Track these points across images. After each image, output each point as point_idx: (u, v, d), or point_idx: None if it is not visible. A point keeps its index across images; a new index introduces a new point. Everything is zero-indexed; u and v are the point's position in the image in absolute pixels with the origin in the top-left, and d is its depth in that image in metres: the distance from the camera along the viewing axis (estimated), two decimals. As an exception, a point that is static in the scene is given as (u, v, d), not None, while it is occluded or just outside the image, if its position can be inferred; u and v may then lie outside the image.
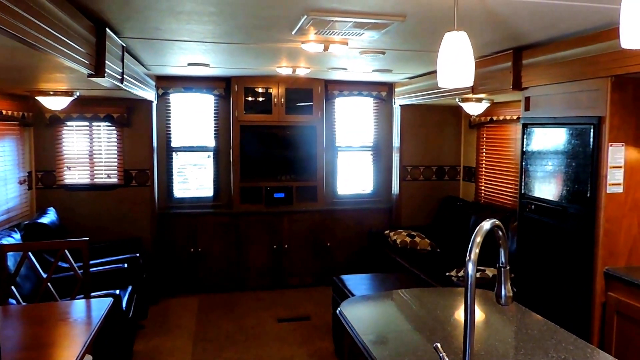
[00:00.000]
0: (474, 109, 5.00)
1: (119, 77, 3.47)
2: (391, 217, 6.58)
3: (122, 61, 3.54)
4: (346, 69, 5.18)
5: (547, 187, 3.64)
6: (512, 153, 5.43)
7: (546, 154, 3.63)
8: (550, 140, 3.60)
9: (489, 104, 4.98)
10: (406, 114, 6.39)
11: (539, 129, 3.70)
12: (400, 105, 6.35)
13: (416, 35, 3.37)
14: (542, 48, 3.55)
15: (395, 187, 6.57)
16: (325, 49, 3.53)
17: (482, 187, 6.06)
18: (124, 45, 3.63)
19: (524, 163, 3.87)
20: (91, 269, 3.98)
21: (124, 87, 3.65)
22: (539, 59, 3.58)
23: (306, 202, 6.37)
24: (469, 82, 2.11)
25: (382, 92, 6.56)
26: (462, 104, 5.04)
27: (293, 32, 3.21)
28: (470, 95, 4.75)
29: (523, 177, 3.89)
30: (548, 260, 3.65)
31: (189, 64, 4.89)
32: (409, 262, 5.43)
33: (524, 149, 3.85)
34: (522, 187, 3.91)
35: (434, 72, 5.24)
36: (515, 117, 5.19)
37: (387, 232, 6.12)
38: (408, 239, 5.80)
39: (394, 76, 5.84)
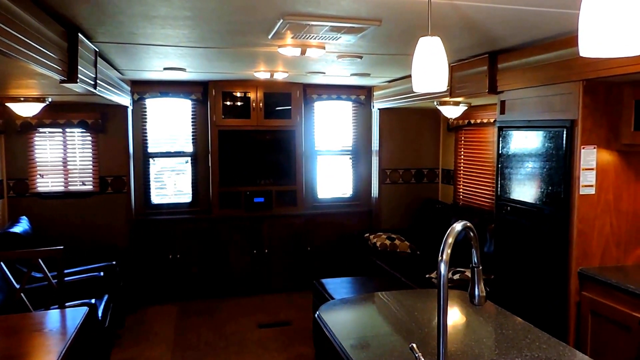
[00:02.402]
0: (452, 112, 5.05)
1: (92, 83, 3.41)
2: (371, 220, 6.60)
3: (95, 66, 3.49)
4: (324, 73, 5.19)
5: (522, 189, 3.70)
6: (489, 155, 5.50)
7: (521, 156, 3.69)
8: (525, 142, 3.66)
9: (466, 107, 5.04)
10: (385, 117, 6.43)
11: (514, 132, 3.76)
12: (379, 108, 6.38)
13: (392, 39, 3.40)
14: (517, 52, 3.61)
15: (375, 191, 6.60)
16: (303, 52, 3.53)
17: (461, 190, 6.12)
18: (97, 50, 3.57)
19: (500, 165, 3.92)
20: (66, 278, 3.90)
21: (97, 93, 3.60)
22: (513, 63, 3.63)
23: (286, 206, 6.36)
24: (443, 87, 2.13)
25: (361, 95, 6.58)
26: (440, 107, 5.09)
27: (269, 37, 3.21)
28: (447, 99, 4.80)
29: (499, 179, 3.94)
30: (525, 262, 3.70)
31: (165, 69, 4.84)
32: (389, 264, 5.44)
33: (500, 152, 3.91)
34: (499, 189, 3.96)
35: (407, 76, 5.40)
36: (492, 120, 5.27)
37: (367, 235, 6.13)
38: (388, 242, 5.82)
39: (373, 80, 5.87)
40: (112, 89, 4.54)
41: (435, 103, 5.09)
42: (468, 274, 4.56)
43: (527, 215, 3.63)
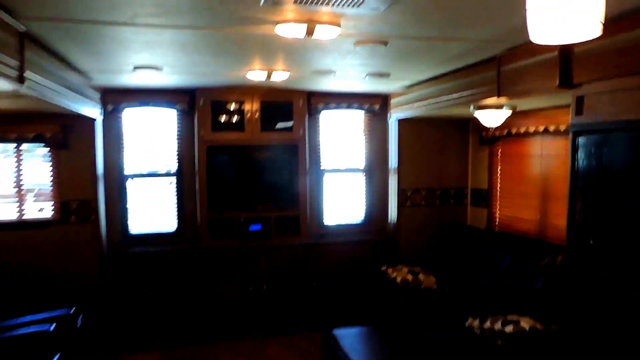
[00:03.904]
0: (493, 119, 4.07)
1: (14, 76, 2.44)
2: (388, 249, 5.57)
3: (21, 53, 2.52)
4: (334, 73, 4.22)
5: (618, 217, 2.68)
6: (535, 171, 4.52)
7: (612, 172, 2.68)
8: (618, 153, 2.66)
9: (510, 113, 4.06)
10: (404, 129, 5.45)
11: (598, 138, 2.76)
12: (397, 118, 5.41)
13: (439, 6, 2.42)
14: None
15: (393, 215, 5.59)
16: (309, 32, 2.57)
17: (497, 213, 5.11)
18: (26, 30, 2.61)
19: (577, 184, 2.91)
20: (5, 333, 2.93)
21: (25, 91, 2.62)
22: (599, 44, 2.65)
23: (287, 235, 5.35)
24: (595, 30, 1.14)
25: (375, 104, 5.61)
26: (478, 114, 4.12)
27: (261, 3, 2.24)
28: (489, 102, 3.83)
29: (576, 202, 2.93)
30: (615, 313, 2.66)
31: (135, 68, 3.89)
32: (413, 305, 4.43)
33: (577, 166, 2.90)
34: (576, 216, 2.94)
35: (442, 75, 4.44)
36: (541, 129, 4.30)
37: (384, 267, 5.10)
38: (410, 277, 4.79)
39: (390, 84, 4.91)
40: (67, 93, 3.58)
41: (471, 108, 4.12)
42: (525, 324, 3.52)
43: (627, 252, 2.60)
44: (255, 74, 4.13)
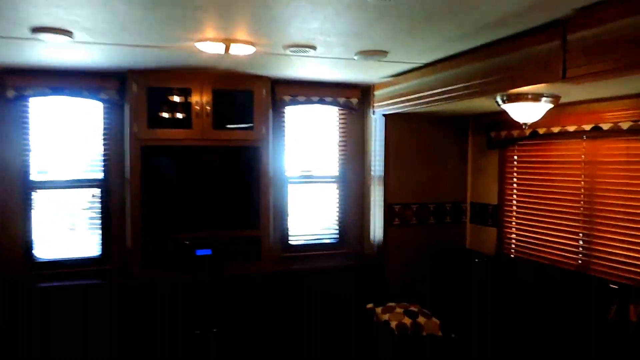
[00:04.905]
0: (528, 113, 3.11)
1: None
2: (372, 279, 4.51)
3: None
4: (314, 49, 3.14)
5: None
6: (574, 184, 3.58)
7: None
8: None
9: (551, 106, 3.11)
10: (393, 129, 4.43)
11: None
12: (383, 115, 4.38)
13: None
14: None
15: (377, 235, 4.54)
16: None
17: (513, 235, 4.16)
18: None
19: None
20: None
21: None
22: None
23: (245, 261, 4.21)
24: None
25: (352, 98, 4.58)
26: (507, 107, 3.14)
27: None
28: (524, 90, 2.87)
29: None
30: None
31: (34, 30, 2.67)
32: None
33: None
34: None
35: (458, 55, 3.21)
36: (587, 128, 3.37)
37: (370, 306, 4.04)
38: (408, 320, 3.75)
39: (375, 71, 3.91)
40: None
41: (498, 100, 3.15)
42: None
43: None
44: (208, 46, 2.98)
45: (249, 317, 4.17)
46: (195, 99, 4.04)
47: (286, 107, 4.52)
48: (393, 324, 3.71)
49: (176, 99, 4.07)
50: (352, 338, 4.12)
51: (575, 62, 2.44)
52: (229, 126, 4.19)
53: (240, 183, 4.31)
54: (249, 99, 4.20)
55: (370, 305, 4.03)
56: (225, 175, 4.27)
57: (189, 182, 4.17)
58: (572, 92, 2.99)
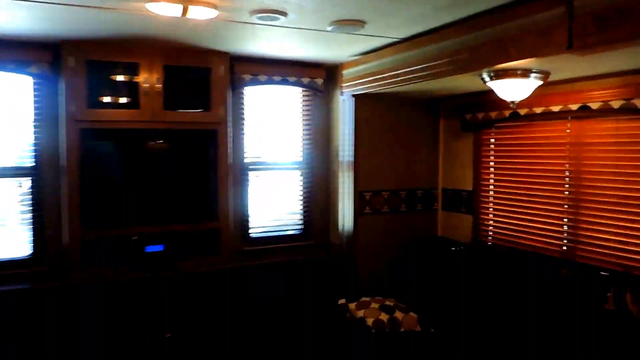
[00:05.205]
0: (517, 90, 2.87)
1: None
2: (342, 271, 4.20)
3: None
4: (285, 16, 2.76)
5: None
6: (559, 167, 3.39)
7: None
8: None
9: (540, 83, 2.89)
10: (363, 111, 4.11)
11: None
12: (352, 96, 4.06)
13: None
14: None
15: (347, 225, 4.23)
16: None
17: (490, 222, 3.96)
18: None
19: None
20: None
21: None
22: None
23: (202, 256, 3.79)
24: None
25: (317, 78, 4.23)
26: (494, 84, 2.90)
27: None
28: (513, 65, 2.63)
29: None
30: None
31: None
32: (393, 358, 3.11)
33: None
34: None
35: (442, 27, 2.90)
36: (574, 108, 3.17)
37: (343, 302, 3.74)
38: (385, 316, 3.46)
39: (346, 48, 3.57)
40: None
41: (485, 76, 2.90)
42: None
43: None
44: (163, 7, 2.54)
45: (207, 319, 3.76)
46: (144, 75, 3.55)
47: (246, 88, 4.11)
48: (369, 321, 3.42)
49: (121, 77, 3.58)
50: (324, 338, 3.79)
51: (585, 31, 2.19)
52: (182, 108, 3.73)
53: (195, 171, 3.87)
54: (206, 78, 3.76)
55: (342, 301, 3.72)
56: (178, 162, 3.82)
57: (136, 170, 3.68)
58: (565, 68, 2.78)
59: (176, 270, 3.66)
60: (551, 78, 2.97)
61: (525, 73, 2.77)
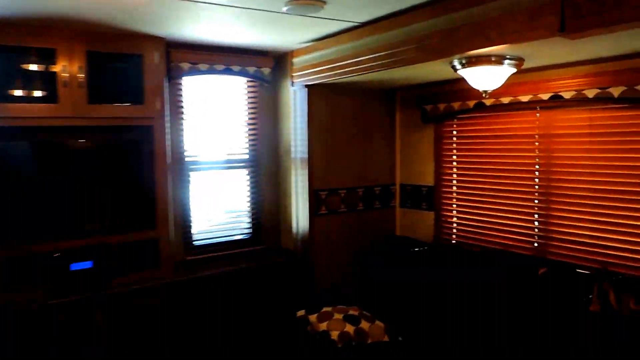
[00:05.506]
0: (489, 79, 2.64)
1: None
2: (297, 279, 3.85)
3: None
4: (235, -8, 2.36)
5: None
6: (528, 160, 3.22)
7: None
8: None
9: (514, 71, 2.67)
10: (316, 103, 3.76)
11: None
12: (305, 86, 3.70)
13: None
14: None
15: (301, 227, 3.88)
16: None
17: (454, 219, 3.75)
18: None
19: None
20: None
21: None
22: None
23: (140, 271, 3.32)
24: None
25: (264, 67, 3.84)
26: (464, 72, 2.65)
27: None
28: (486, 51, 2.39)
29: None
30: None
31: None
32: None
33: None
34: None
35: (396, 14, 2.66)
36: (545, 97, 2.99)
37: (302, 313, 3.39)
38: (350, 328, 3.16)
39: (299, 33, 3.20)
40: None
41: (456, 63, 2.64)
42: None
43: None
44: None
45: (147, 342, 3.29)
46: (62, 64, 3.01)
47: (184, 78, 3.64)
48: (334, 334, 3.10)
49: (34, 66, 3.02)
50: (283, 355, 3.42)
51: (579, 11, 1.97)
52: (110, 102, 3.22)
53: (128, 173, 3.38)
54: (137, 66, 3.27)
55: (301, 313, 3.38)
56: (106, 164, 3.31)
57: (56, 175, 3.14)
58: (540, 54, 2.57)
59: (109, 289, 3.16)
60: (524, 66, 2.77)
61: (499, 59, 2.54)
